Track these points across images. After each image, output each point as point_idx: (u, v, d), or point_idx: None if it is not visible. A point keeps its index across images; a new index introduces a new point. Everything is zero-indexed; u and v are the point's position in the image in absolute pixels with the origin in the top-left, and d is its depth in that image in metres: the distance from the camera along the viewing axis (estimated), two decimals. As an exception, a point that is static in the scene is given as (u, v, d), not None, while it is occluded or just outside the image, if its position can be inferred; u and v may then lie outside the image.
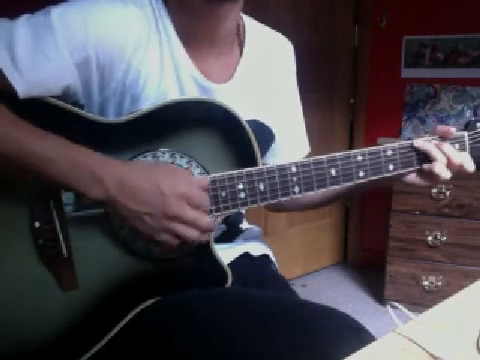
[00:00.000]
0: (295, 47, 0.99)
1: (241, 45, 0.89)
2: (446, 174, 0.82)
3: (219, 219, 0.79)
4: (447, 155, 0.82)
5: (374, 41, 2.67)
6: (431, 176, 0.84)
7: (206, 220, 0.73)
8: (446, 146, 0.83)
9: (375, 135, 2.65)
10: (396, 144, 0.84)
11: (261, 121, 0.91)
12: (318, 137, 2.35)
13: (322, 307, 0.74)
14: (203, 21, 0.80)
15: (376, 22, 2.63)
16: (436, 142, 0.84)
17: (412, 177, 0.86)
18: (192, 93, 0.82)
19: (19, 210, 0.73)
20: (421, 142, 0.84)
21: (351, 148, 0.84)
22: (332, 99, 2.69)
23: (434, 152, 0.82)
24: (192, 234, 0.72)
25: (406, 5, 2.56)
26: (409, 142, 0.84)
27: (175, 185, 0.71)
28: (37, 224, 0.73)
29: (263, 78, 0.92)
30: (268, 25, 0.96)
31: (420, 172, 0.85)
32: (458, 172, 0.85)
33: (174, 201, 0.70)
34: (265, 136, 0.93)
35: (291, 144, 1.01)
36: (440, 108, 2.56)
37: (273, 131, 0.95)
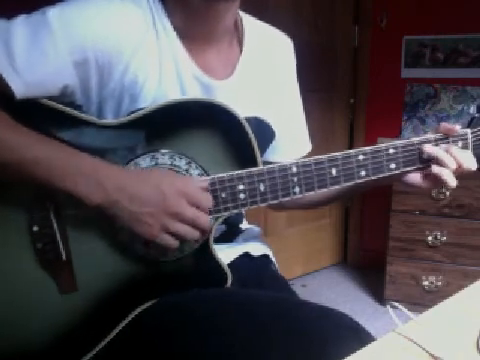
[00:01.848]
0: (295, 47, 0.99)
1: (240, 42, 0.89)
2: (453, 182, 0.80)
3: (219, 220, 0.79)
4: (457, 160, 0.80)
5: (374, 41, 2.67)
6: (436, 180, 0.82)
7: (205, 219, 0.73)
8: (457, 151, 0.80)
9: (375, 135, 2.65)
10: (398, 142, 0.82)
11: (261, 118, 0.91)
12: (318, 137, 2.33)
13: (320, 307, 0.74)
14: (200, 18, 0.80)
15: (376, 22, 2.63)
16: (445, 146, 0.82)
17: (414, 178, 0.84)
18: (193, 90, 0.82)
19: (17, 214, 0.72)
20: (430, 147, 0.81)
21: (351, 148, 0.84)
22: (332, 99, 2.69)
23: (446, 159, 0.80)
24: (191, 234, 0.73)
25: (406, 5, 2.56)
26: (411, 141, 0.83)
27: (174, 183, 0.72)
28: (35, 228, 0.73)
29: (263, 75, 0.91)
30: (268, 24, 0.96)
31: (424, 174, 0.84)
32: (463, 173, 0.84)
33: (174, 198, 0.71)
34: (265, 133, 0.93)
35: (292, 141, 1.01)
36: (440, 108, 2.56)
37: (273, 128, 0.94)
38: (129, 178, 0.71)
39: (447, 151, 0.81)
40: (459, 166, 0.81)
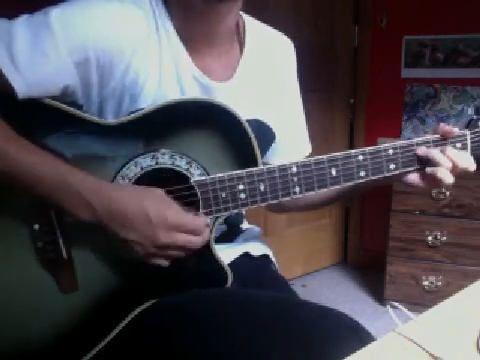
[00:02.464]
0: (295, 47, 0.99)
1: (241, 44, 0.89)
2: (449, 179, 0.81)
3: (219, 219, 0.79)
4: (453, 160, 0.81)
5: (374, 41, 2.67)
6: (434, 180, 0.83)
7: (197, 241, 0.73)
8: (451, 151, 0.81)
9: (375, 135, 2.65)
10: (397, 143, 0.83)
11: (262, 120, 0.91)
12: (318, 137, 2.34)
13: (320, 307, 0.74)
14: (203, 19, 0.80)
15: (376, 22, 2.63)
16: (440, 147, 0.83)
17: (413, 178, 0.85)
18: (193, 92, 0.82)
19: (18, 213, 0.72)
20: (424, 149, 0.83)
21: (351, 148, 0.84)
22: (332, 99, 2.69)
23: (438, 158, 0.81)
24: (182, 255, 0.74)
25: (406, 5, 2.55)
26: (411, 142, 0.83)
27: (164, 214, 0.71)
28: (36, 227, 0.73)
29: (264, 77, 0.91)
30: (268, 25, 0.96)
31: (422, 175, 0.84)
32: (460, 173, 0.84)
33: (163, 232, 0.70)
34: (266, 135, 0.93)
35: (292, 143, 1.01)
36: (440, 108, 2.56)
37: (274, 130, 0.95)
38: (119, 202, 0.69)
39: (442, 152, 0.82)
40: (454, 165, 0.81)
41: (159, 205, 0.71)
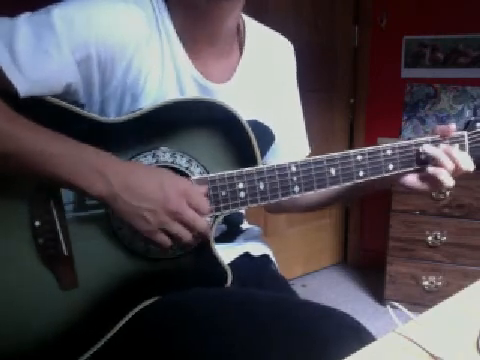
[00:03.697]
0: (295, 47, 0.99)
1: (241, 45, 0.89)
2: (450, 182, 0.81)
3: (219, 218, 0.79)
4: (456, 161, 0.81)
5: (374, 41, 2.67)
6: (434, 182, 0.82)
7: (203, 222, 0.73)
8: (456, 152, 0.81)
9: (375, 135, 2.65)
10: (396, 143, 0.83)
11: (261, 121, 0.91)
12: (318, 137, 2.34)
13: (321, 307, 0.74)
14: (204, 20, 0.80)
15: (376, 22, 2.64)
16: (445, 147, 0.83)
17: (412, 181, 0.85)
18: (192, 93, 0.82)
19: (19, 209, 0.72)
20: (430, 147, 0.83)
21: (351, 148, 0.84)
22: (332, 99, 2.69)
23: (443, 159, 0.81)
24: (187, 236, 0.73)
25: (406, 5, 2.56)
26: (409, 142, 0.84)
27: (177, 183, 0.72)
28: (37, 223, 0.73)
29: (263, 78, 0.91)
30: (268, 25, 0.96)
31: (422, 177, 0.84)
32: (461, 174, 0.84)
33: (175, 197, 0.71)
34: (265, 136, 0.93)
35: (291, 145, 1.01)
36: (440, 108, 2.56)
37: (273, 131, 0.95)
38: (133, 173, 0.71)
39: (445, 151, 0.82)
40: (457, 167, 0.81)
41: (171, 175, 0.73)
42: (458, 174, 0.83)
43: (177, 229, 0.72)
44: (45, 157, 0.67)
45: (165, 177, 0.72)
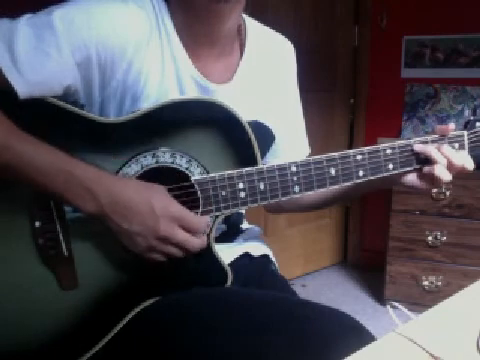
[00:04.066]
0: (295, 47, 0.99)
1: (242, 46, 0.89)
2: (447, 177, 0.82)
3: (219, 218, 0.79)
4: (447, 157, 0.82)
5: (374, 41, 2.67)
6: (432, 179, 0.83)
7: (195, 242, 0.74)
8: (446, 148, 0.82)
9: (375, 135, 2.65)
10: (395, 143, 0.84)
11: (261, 122, 0.91)
12: (318, 137, 2.34)
13: (322, 307, 0.74)
14: (205, 20, 0.80)
15: (376, 22, 2.63)
16: (436, 145, 0.84)
17: (412, 179, 0.86)
18: (192, 93, 0.82)
19: (19, 210, 0.73)
20: (421, 146, 0.84)
21: (351, 148, 0.84)
22: (332, 99, 2.69)
23: (434, 155, 0.82)
24: (179, 254, 0.74)
25: (406, 5, 2.56)
26: (408, 142, 0.84)
27: (168, 206, 0.72)
28: (37, 224, 0.73)
29: (263, 79, 0.92)
30: (268, 25, 0.96)
31: (421, 175, 0.85)
32: (458, 171, 0.85)
33: (166, 222, 0.71)
34: (265, 137, 0.93)
35: (291, 145, 1.01)
36: (440, 108, 2.56)
37: (273, 132, 0.95)
38: (123, 193, 0.70)
39: (437, 149, 0.83)
40: (450, 162, 0.82)
41: (163, 198, 0.73)
42: (455, 171, 0.84)
43: (168, 250, 0.73)
44: (39, 173, 0.68)
45: (156, 199, 0.71)
